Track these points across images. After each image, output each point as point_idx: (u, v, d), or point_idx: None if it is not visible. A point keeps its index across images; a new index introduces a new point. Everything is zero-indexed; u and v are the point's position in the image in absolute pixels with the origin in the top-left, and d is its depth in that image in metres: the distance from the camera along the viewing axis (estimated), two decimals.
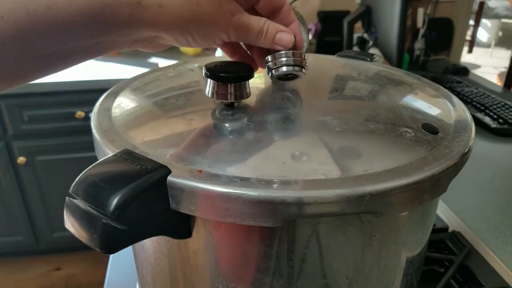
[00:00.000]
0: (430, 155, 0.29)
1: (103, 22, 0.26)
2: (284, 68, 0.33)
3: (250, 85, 0.33)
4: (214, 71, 0.32)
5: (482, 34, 4.33)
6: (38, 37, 0.25)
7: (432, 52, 1.66)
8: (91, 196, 0.24)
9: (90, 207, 0.24)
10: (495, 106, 1.12)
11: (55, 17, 0.25)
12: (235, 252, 0.29)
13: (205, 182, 0.25)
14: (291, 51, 0.33)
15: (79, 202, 0.25)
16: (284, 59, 0.33)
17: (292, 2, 1.60)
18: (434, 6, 1.70)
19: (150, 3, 0.27)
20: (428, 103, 0.38)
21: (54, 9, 0.25)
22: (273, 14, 0.33)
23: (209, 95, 0.32)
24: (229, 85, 0.32)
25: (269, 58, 0.34)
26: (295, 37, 0.33)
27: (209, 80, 0.32)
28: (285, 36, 0.32)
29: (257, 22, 0.31)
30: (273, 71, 0.34)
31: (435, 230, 0.62)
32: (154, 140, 0.30)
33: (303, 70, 0.34)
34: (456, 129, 0.33)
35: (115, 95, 0.39)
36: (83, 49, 0.28)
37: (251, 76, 0.33)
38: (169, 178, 0.25)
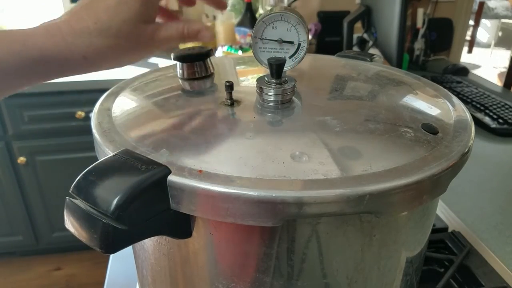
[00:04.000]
0: (429, 155, 0.29)
1: (36, 76, 0.30)
2: (271, 104, 0.35)
3: (250, 86, 0.34)
4: (181, 56, 0.38)
5: (482, 34, 4.33)
6: None
7: (432, 52, 1.66)
8: (91, 196, 0.24)
9: (90, 207, 0.24)
10: (494, 106, 1.12)
11: None
12: (235, 252, 0.29)
13: (205, 182, 0.25)
14: (280, 88, 0.34)
15: (79, 202, 0.25)
16: (271, 94, 0.34)
17: (292, 2, 1.60)
18: (434, 6, 1.70)
19: (76, 57, 0.31)
20: (427, 103, 0.38)
21: None
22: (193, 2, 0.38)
23: (179, 76, 0.39)
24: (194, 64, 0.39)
25: (259, 86, 0.35)
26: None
27: (178, 63, 0.39)
28: (205, 34, 0.37)
29: (175, 30, 0.35)
30: (262, 99, 0.35)
31: (434, 230, 0.62)
32: (154, 140, 0.30)
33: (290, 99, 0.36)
34: (456, 129, 0.33)
35: (115, 95, 0.39)
36: (16, 90, 0.32)
37: (209, 55, 0.40)
38: (169, 178, 0.25)
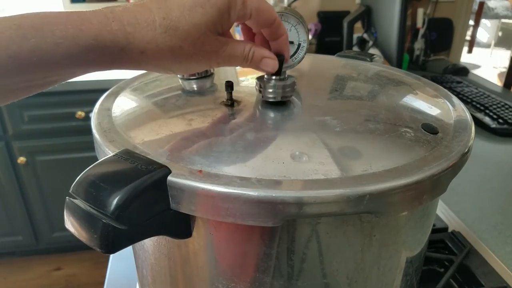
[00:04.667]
0: (429, 155, 0.29)
1: (86, 65, 0.27)
2: (271, 100, 0.35)
3: (250, 86, 0.34)
4: None
5: (482, 34, 4.33)
6: (19, 75, 0.26)
7: (432, 52, 1.66)
8: (91, 196, 0.24)
9: (90, 207, 0.24)
10: (494, 106, 1.12)
11: (39, 59, 0.25)
12: (235, 252, 0.29)
13: (205, 182, 0.25)
14: (281, 83, 0.34)
15: (79, 202, 0.25)
16: (271, 90, 0.34)
17: (292, 2, 1.60)
18: (434, 6, 1.70)
19: (132, 50, 0.27)
20: (427, 103, 0.38)
21: (37, 53, 0.25)
22: (263, 28, 0.32)
23: (179, 76, 0.39)
24: None
25: (259, 83, 0.35)
26: (282, 53, 0.34)
27: None
28: (270, 63, 0.32)
29: (241, 50, 0.31)
30: (262, 95, 0.35)
31: (434, 230, 0.62)
32: (154, 140, 0.30)
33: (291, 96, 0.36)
34: (456, 129, 0.33)
35: (115, 95, 0.39)
36: (63, 79, 0.29)
37: None
38: (169, 178, 0.25)
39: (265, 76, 0.35)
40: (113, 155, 0.27)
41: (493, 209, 0.71)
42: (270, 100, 0.35)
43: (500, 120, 1.05)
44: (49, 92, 1.38)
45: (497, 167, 0.86)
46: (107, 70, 0.29)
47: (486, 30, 4.35)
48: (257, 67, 0.33)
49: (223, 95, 0.36)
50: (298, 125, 0.33)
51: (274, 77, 0.34)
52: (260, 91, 0.35)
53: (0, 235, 1.52)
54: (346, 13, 1.43)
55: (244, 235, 0.28)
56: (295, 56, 0.38)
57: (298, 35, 0.37)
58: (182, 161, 0.27)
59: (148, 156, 0.27)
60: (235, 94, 0.36)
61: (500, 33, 4.30)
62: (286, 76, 0.35)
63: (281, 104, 0.35)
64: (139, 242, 0.34)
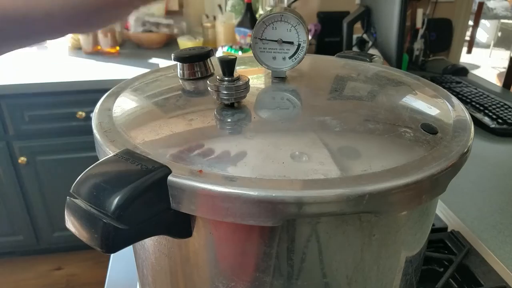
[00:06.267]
0: (429, 155, 0.29)
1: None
2: (226, 102, 0.34)
3: (250, 86, 0.34)
4: (181, 56, 0.40)
5: (481, 35, 4.33)
6: None
7: (431, 52, 1.67)
8: (92, 195, 0.24)
9: (91, 206, 0.24)
10: (494, 106, 1.12)
11: None
12: (235, 252, 0.29)
13: (205, 182, 0.25)
14: (233, 84, 0.33)
15: (80, 202, 0.25)
16: (225, 92, 0.33)
17: (292, 2, 1.60)
18: (433, 7, 1.70)
19: (37, 15, 0.27)
20: (427, 103, 0.38)
21: None
22: None
23: (180, 76, 0.41)
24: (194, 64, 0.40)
25: (212, 86, 0.33)
26: None
27: (178, 63, 0.41)
28: None
29: None
30: (216, 98, 0.34)
31: (434, 230, 0.63)
32: (154, 140, 0.30)
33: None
34: (455, 129, 0.33)
35: (116, 95, 0.39)
36: None
37: (210, 56, 0.41)
38: (170, 178, 0.25)
39: (217, 78, 0.34)
40: (114, 155, 0.27)
41: (492, 208, 0.72)
42: (225, 102, 0.34)
43: (500, 120, 1.05)
44: (50, 92, 1.38)
45: (497, 167, 0.86)
46: (25, 43, 0.28)
47: (485, 31, 4.35)
48: None
49: None
50: (298, 125, 0.33)
51: (226, 79, 0.33)
52: (215, 94, 0.34)
53: (1, 234, 1.52)
54: (346, 13, 1.43)
55: (244, 235, 0.28)
56: (295, 56, 0.38)
57: (298, 36, 0.37)
58: (183, 161, 0.27)
59: (149, 156, 0.27)
60: None
61: (499, 34, 4.30)
62: (238, 76, 0.34)
63: (281, 104, 0.35)
64: (140, 242, 0.34)
